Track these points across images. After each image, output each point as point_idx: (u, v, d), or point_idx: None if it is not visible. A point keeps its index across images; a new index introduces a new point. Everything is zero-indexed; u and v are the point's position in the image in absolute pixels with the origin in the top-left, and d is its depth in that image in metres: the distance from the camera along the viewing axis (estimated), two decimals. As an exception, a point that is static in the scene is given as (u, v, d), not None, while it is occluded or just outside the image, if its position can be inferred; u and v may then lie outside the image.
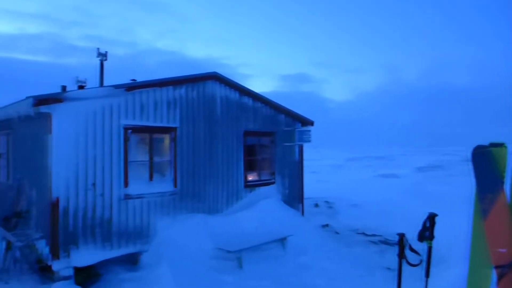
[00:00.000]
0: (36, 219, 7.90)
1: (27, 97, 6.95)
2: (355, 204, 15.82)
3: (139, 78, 9.27)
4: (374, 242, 11.11)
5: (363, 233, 12.10)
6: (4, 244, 7.69)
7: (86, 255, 7.28)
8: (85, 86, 10.62)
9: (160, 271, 7.39)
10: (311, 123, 12.58)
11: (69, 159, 7.16)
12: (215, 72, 9.85)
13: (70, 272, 7.06)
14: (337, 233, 11.94)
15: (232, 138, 10.25)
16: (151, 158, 8.46)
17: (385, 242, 11.15)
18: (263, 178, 11.22)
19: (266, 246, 9.04)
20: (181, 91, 9.06)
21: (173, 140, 8.87)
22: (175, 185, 8.83)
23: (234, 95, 10.37)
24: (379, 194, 17.70)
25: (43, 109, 6.90)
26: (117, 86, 7.90)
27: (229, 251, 8.12)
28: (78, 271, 7.17)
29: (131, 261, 8.05)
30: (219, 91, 9.97)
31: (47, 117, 7.06)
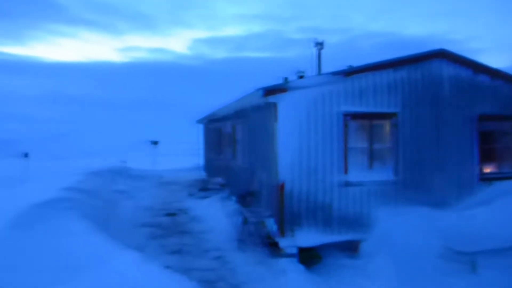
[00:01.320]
0: (266, 199, 8.77)
1: (257, 89, 7.69)
2: None
3: (354, 64, 9.07)
4: None
5: None
6: (241, 219, 8.85)
7: (308, 237, 7.63)
8: (303, 76, 11.16)
9: (380, 262, 7.08)
10: None
11: (293, 145, 7.60)
12: (441, 49, 8.70)
13: (294, 250, 7.54)
14: None
15: (464, 123, 8.86)
16: (370, 145, 8.16)
17: None
18: (504, 170, 9.33)
19: (509, 252, 7.51)
20: (403, 73, 8.37)
21: (394, 126, 8.31)
22: (396, 174, 8.27)
23: (465, 74, 8.93)
24: None
25: (270, 99, 7.52)
26: (335, 73, 7.91)
27: (460, 252, 7.11)
28: (301, 251, 7.58)
29: (349, 248, 8.01)
30: (447, 70, 8.76)
31: (274, 106, 7.66)
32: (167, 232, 9.54)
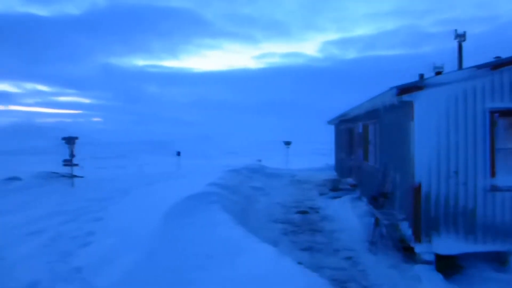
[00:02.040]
0: (400, 201, 8.45)
1: (391, 88, 7.48)
2: None
3: (503, 55, 8.04)
4: None
5: None
6: (373, 220, 8.70)
7: (447, 244, 7.12)
8: (442, 71, 10.35)
9: (537, 280, 6.22)
10: None
11: (431, 146, 7.19)
12: None
13: (431, 257, 7.11)
14: None
15: None
16: (524, 146, 7.20)
17: None
18: None
19: None
20: None
21: (557, 123, 7.17)
22: (560, 179, 7.11)
23: None
24: None
25: (405, 97, 7.23)
26: (479, 66, 7.19)
27: None
28: (439, 258, 7.11)
29: (497, 260, 7.20)
30: None
31: (409, 105, 7.35)
32: (298, 229, 9.94)
